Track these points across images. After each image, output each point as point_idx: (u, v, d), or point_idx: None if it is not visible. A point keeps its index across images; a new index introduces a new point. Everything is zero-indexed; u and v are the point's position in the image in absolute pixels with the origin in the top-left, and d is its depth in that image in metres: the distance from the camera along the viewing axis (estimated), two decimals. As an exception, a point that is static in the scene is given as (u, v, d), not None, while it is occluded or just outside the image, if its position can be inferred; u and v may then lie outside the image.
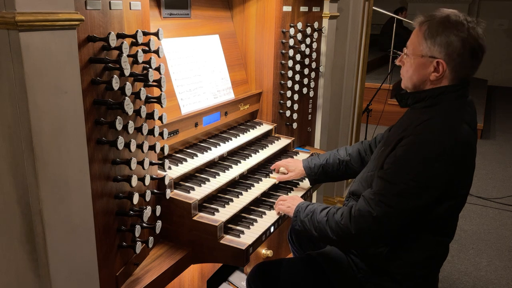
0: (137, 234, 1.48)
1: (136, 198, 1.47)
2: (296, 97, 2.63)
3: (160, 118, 1.56)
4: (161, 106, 1.53)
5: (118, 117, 1.35)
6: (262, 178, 2.13)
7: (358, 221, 1.53)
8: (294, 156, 2.43)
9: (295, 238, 2.24)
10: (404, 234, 1.60)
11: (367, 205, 1.53)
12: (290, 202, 1.86)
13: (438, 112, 1.54)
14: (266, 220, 1.87)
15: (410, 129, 1.54)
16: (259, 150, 2.28)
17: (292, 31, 2.48)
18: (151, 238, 1.54)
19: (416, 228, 1.59)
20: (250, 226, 1.80)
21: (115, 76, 1.31)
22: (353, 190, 1.80)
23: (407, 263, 1.63)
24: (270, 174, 2.18)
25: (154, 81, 1.49)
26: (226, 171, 2.00)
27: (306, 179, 2.17)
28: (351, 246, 1.76)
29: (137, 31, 1.41)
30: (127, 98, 1.35)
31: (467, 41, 1.49)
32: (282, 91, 2.54)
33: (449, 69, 1.53)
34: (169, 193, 1.66)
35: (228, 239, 1.69)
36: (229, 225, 1.78)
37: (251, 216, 1.88)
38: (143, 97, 1.44)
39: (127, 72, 1.37)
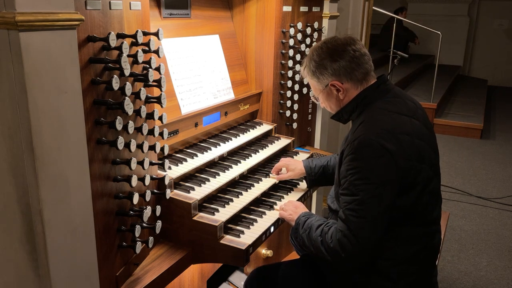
0: (137, 234, 1.48)
1: (136, 198, 1.47)
2: (296, 97, 2.63)
3: (160, 118, 1.56)
4: (161, 106, 1.54)
5: (118, 117, 1.35)
6: (262, 178, 2.13)
7: (342, 243, 1.56)
8: (294, 156, 2.43)
9: (296, 239, 2.24)
10: (385, 234, 1.60)
11: (344, 223, 1.57)
12: (292, 210, 1.85)
13: (367, 114, 1.63)
14: (266, 220, 1.87)
15: (348, 139, 1.64)
16: (259, 150, 2.28)
17: (292, 31, 2.48)
18: (151, 238, 1.54)
19: (393, 226, 1.60)
20: (250, 226, 1.80)
21: (115, 76, 1.31)
22: (329, 204, 1.87)
23: (398, 260, 1.64)
24: (270, 174, 2.18)
25: (154, 81, 1.49)
26: (226, 171, 2.00)
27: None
28: (348, 266, 1.71)
29: (137, 31, 1.41)
30: (127, 98, 1.35)
31: (334, 56, 1.66)
32: (282, 91, 2.54)
33: (345, 80, 1.67)
34: (169, 193, 1.66)
35: (228, 239, 1.69)
36: (229, 225, 1.78)
37: (251, 216, 1.88)
38: (143, 97, 1.44)
39: (127, 72, 1.37)
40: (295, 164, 2.14)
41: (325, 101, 1.78)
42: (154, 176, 1.59)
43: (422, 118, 1.68)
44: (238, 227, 1.78)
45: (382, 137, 1.52)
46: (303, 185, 2.22)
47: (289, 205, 1.89)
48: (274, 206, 1.97)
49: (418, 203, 1.59)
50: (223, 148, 2.11)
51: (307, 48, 2.63)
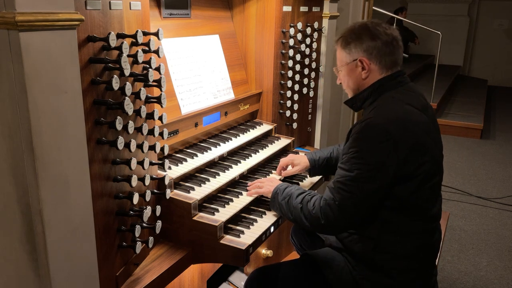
0: (137, 234, 1.48)
1: (136, 198, 1.46)
2: (296, 97, 2.63)
3: (160, 118, 1.56)
4: (161, 106, 1.54)
5: (118, 117, 1.35)
6: (262, 178, 2.12)
7: (325, 211, 1.63)
8: (294, 156, 2.44)
9: (297, 239, 2.25)
10: (384, 225, 1.64)
11: (331, 194, 1.64)
12: (267, 183, 1.93)
13: (381, 101, 1.67)
14: (266, 220, 1.87)
15: (359, 121, 1.67)
16: (259, 150, 2.28)
17: (292, 31, 2.48)
18: (151, 238, 1.54)
19: (392, 218, 1.63)
20: (250, 226, 1.80)
21: (115, 76, 1.31)
22: None
23: (397, 256, 1.65)
24: (270, 174, 2.18)
25: (154, 81, 1.49)
26: (226, 171, 2.00)
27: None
28: (324, 233, 1.94)
29: (137, 31, 1.41)
30: (127, 98, 1.35)
31: (375, 34, 1.69)
32: (282, 91, 2.54)
33: (373, 62, 1.70)
34: (169, 193, 1.66)
35: (228, 239, 1.69)
36: (229, 225, 1.78)
37: (251, 216, 1.88)
38: (143, 97, 1.44)
39: (127, 72, 1.37)
40: (300, 159, 2.17)
41: (345, 76, 1.79)
42: (154, 176, 1.59)
43: (431, 115, 1.72)
44: (238, 227, 1.78)
45: (390, 122, 1.56)
46: (307, 181, 2.23)
47: (265, 181, 1.96)
48: (248, 188, 1.98)
49: (416, 196, 1.61)
50: (223, 148, 2.11)
51: (307, 48, 2.63)
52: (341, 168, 1.63)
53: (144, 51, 1.45)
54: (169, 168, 1.81)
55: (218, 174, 1.95)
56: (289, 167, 2.19)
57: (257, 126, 2.45)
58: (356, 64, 1.72)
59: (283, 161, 2.18)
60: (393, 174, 1.56)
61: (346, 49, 1.74)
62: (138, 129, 1.46)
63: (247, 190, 1.99)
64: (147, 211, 1.52)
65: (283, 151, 2.47)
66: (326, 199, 1.64)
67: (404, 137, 1.55)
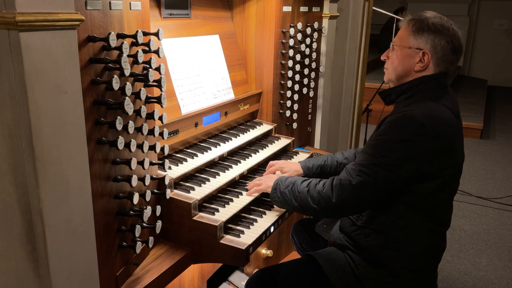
0: (137, 234, 1.48)
1: (136, 198, 1.47)
2: (296, 97, 2.63)
3: (160, 118, 1.56)
4: (161, 106, 1.54)
5: (118, 117, 1.35)
6: (260, 177, 2.12)
7: (338, 190, 1.63)
8: (294, 156, 2.44)
9: (297, 238, 2.25)
10: (396, 220, 1.63)
11: (348, 175, 1.63)
12: (265, 180, 1.93)
13: (419, 97, 1.65)
14: (266, 220, 1.87)
15: (394, 111, 1.67)
16: (259, 150, 2.28)
17: (292, 31, 2.48)
18: (151, 238, 1.54)
19: (405, 215, 1.62)
20: (250, 226, 1.80)
21: (115, 76, 1.31)
22: None
23: (403, 255, 1.65)
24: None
25: (154, 81, 1.49)
26: (226, 171, 2.00)
27: None
28: (330, 215, 1.90)
29: (137, 31, 1.41)
30: (127, 98, 1.35)
31: (450, 38, 1.64)
32: (282, 91, 2.54)
33: (433, 61, 1.66)
34: (169, 193, 1.66)
35: (228, 239, 1.69)
36: (229, 225, 1.78)
37: (251, 216, 1.88)
38: (143, 97, 1.44)
39: (127, 72, 1.37)
40: (289, 166, 2.11)
41: (398, 58, 1.71)
42: (154, 176, 1.59)
43: (461, 123, 1.71)
44: (238, 227, 1.78)
45: (427, 118, 1.55)
46: None
47: (263, 178, 1.96)
48: (248, 187, 1.98)
49: (434, 196, 1.61)
50: (223, 148, 2.11)
51: (307, 48, 2.63)
52: (366, 153, 1.62)
53: (144, 51, 1.45)
54: (169, 168, 1.81)
55: (218, 174, 1.95)
56: (278, 172, 2.16)
57: (257, 126, 2.45)
58: (417, 53, 1.66)
59: (272, 166, 2.11)
60: (417, 169, 1.56)
61: (416, 34, 1.66)
62: (138, 129, 1.46)
63: (247, 191, 1.99)
64: (147, 211, 1.52)
65: (283, 151, 2.47)
66: (341, 179, 1.63)
67: (437, 135, 1.55)
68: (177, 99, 1.97)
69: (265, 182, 1.92)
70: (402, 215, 1.63)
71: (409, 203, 1.61)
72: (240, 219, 1.85)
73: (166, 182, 1.62)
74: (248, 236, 1.72)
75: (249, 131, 2.37)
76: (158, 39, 1.49)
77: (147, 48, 1.46)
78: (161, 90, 1.54)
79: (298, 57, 2.54)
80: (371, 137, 1.67)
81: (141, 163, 1.48)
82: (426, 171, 1.57)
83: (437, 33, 1.64)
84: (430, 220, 1.65)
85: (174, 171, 1.80)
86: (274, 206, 1.97)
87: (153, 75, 1.47)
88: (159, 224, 1.57)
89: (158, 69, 1.52)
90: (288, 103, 2.59)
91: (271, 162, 2.16)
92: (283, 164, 2.15)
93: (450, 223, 1.75)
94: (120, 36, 1.37)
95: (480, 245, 3.58)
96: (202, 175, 1.92)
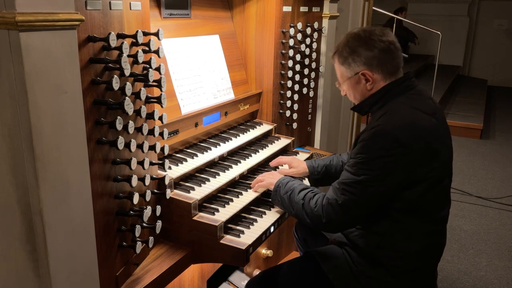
0: (137, 234, 1.48)
1: (136, 198, 1.47)
2: (296, 97, 2.63)
3: (160, 118, 1.56)
4: (161, 106, 1.54)
5: (118, 117, 1.35)
6: (263, 173, 2.12)
7: (327, 210, 1.64)
8: (295, 156, 2.44)
9: (300, 234, 2.25)
10: (392, 224, 1.64)
11: (334, 193, 1.65)
12: (268, 176, 1.97)
13: (389, 107, 1.65)
14: (266, 220, 1.87)
15: (366, 127, 1.67)
16: (259, 150, 2.28)
17: (292, 31, 2.48)
18: (151, 238, 1.54)
19: (400, 218, 1.63)
20: (250, 226, 1.80)
21: (115, 76, 1.31)
22: None
23: (401, 254, 1.65)
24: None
25: (154, 81, 1.50)
26: (226, 171, 2.00)
27: (306, 179, 2.17)
28: (325, 231, 2.01)
29: (137, 31, 1.41)
30: (127, 98, 1.35)
31: (371, 45, 1.66)
32: (282, 91, 2.54)
33: (376, 72, 1.68)
34: (169, 193, 1.66)
35: (228, 239, 1.69)
36: (229, 225, 1.78)
37: (251, 216, 1.88)
38: (143, 97, 1.44)
39: (127, 72, 1.37)
40: (298, 163, 2.16)
41: (350, 89, 1.77)
42: (154, 176, 1.59)
43: (441, 118, 1.70)
44: (238, 227, 1.78)
45: (399, 130, 1.54)
46: (306, 182, 2.22)
47: (266, 175, 2.00)
48: (252, 185, 2.01)
49: (424, 199, 1.61)
50: (223, 148, 2.11)
51: (307, 48, 2.63)
52: (347, 171, 1.63)
53: (144, 51, 1.45)
54: (169, 168, 1.81)
55: (218, 174, 1.95)
56: (286, 166, 2.19)
57: (257, 126, 2.45)
58: (359, 78, 1.70)
59: (282, 159, 2.20)
60: (401, 181, 1.56)
61: (344, 64, 1.72)
62: (138, 129, 1.46)
63: (247, 190, 1.99)
64: (147, 211, 1.52)
65: (283, 151, 2.47)
66: (329, 198, 1.65)
67: (413, 144, 1.54)
68: (177, 99, 1.97)
69: (267, 179, 1.95)
70: (398, 219, 1.63)
71: (401, 209, 1.62)
72: (240, 219, 1.85)
73: (166, 182, 1.62)
74: (248, 236, 1.72)
75: (249, 131, 2.37)
76: (158, 39, 1.49)
77: (147, 48, 1.46)
78: (161, 90, 1.54)
79: (298, 57, 2.54)
80: (351, 154, 1.67)
81: (141, 163, 1.48)
82: (410, 179, 1.57)
83: (356, 50, 1.67)
84: (426, 221, 1.65)
85: (174, 171, 1.80)
86: (274, 206, 1.97)
87: (153, 75, 1.47)
88: (159, 224, 1.57)
89: (158, 69, 1.52)
90: (288, 103, 2.59)
91: (280, 157, 2.21)
92: (293, 159, 2.20)
93: (447, 218, 1.75)
94: (120, 36, 1.37)
95: (480, 245, 3.58)
96: (202, 175, 1.92)
